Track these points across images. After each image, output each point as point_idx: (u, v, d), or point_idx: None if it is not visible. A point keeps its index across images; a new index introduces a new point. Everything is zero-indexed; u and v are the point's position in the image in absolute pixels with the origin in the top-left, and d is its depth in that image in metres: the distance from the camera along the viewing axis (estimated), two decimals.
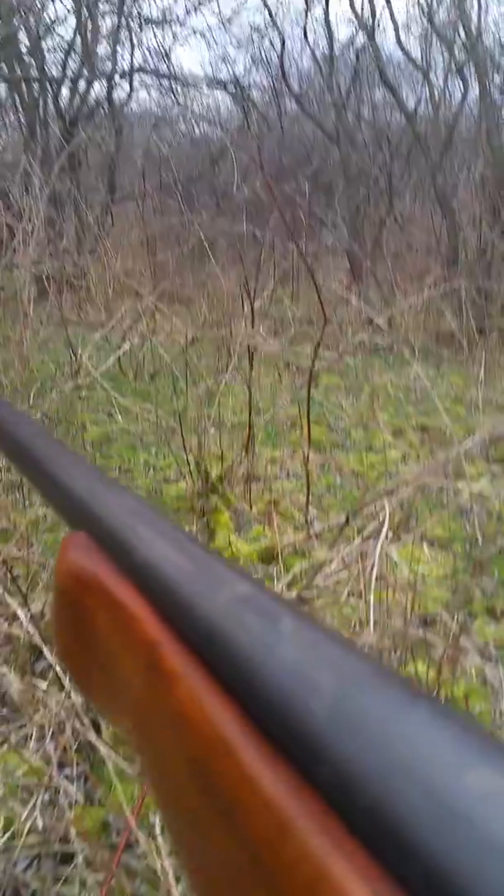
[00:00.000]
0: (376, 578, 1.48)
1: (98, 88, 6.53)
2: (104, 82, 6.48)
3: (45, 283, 4.60)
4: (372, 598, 1.44)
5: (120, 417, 3.44)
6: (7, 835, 1.04)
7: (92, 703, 0.24)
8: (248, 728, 0.14)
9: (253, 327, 2.73)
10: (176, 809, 0.17)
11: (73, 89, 6.06)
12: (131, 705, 0.19)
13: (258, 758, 0.14)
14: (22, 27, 5.56)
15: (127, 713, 0.20)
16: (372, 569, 1.47)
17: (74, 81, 6.46)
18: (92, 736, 1.01)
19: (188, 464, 2.47)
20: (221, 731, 0.15)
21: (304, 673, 0.14)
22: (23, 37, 5.87)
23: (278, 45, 5.91)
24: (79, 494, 0.25)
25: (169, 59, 6.57)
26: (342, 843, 0.12)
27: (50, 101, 6.38)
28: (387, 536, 1.57)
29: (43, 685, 1.26)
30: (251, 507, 2.41)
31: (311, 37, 6.38)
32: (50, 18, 6.21)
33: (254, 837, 0.13)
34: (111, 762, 0.97)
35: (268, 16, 5.83)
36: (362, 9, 5.97)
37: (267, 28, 5.79)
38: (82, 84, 6.44)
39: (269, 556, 2.07)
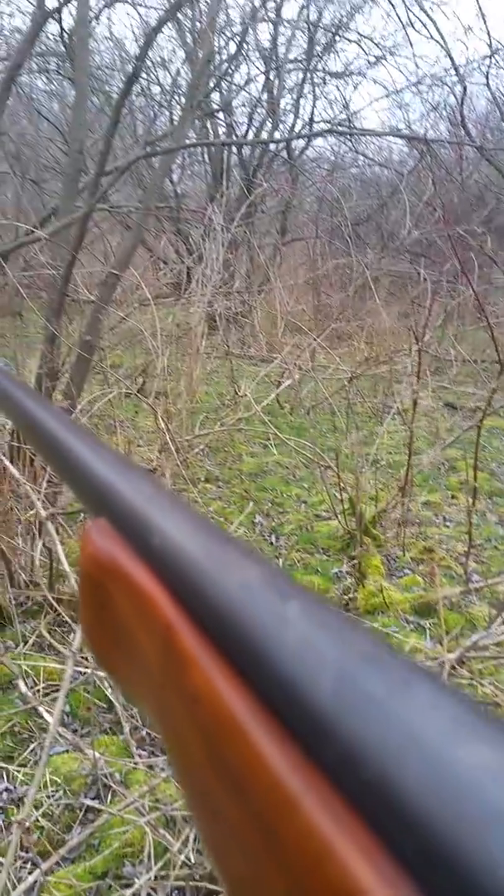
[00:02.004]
0: None
1: (278, 137, 6.89)
2: (285, 133, 6.82)
3: (216, 320, 4.87)
4: None
5: (275, 450, 3.52)
6: (159, 864, 1.08)
7: (117, 684, 0.24)
8: (257, 708, 0.15)
9: (418, 367, 2.68)
10: (193, 786, 0.17)
11: (256, 141, 6.45)
12: (151, 686, 0.20)
13: (267, 737, 0.14)
14: (216, 90, 6.04)
15: (147, 693, 0.20)
16: None
17: (257, 134, 6.87)
18: None
19: (342, 502, 2.45)
20: (232, 711, 0.15)
21: (312, 654, 0.14)
22: (213, 94, 6.37)
23: (458, 91, 5.87)
24: (99, 481, 0.26)
25: (348, 108, 6.77)
26: (345, 818, 0.12)
27: (234, 152, 6.83)
28: None
29: None
30: (404, 553, 2.33)
31: (492, 82, 6.25)
32: (241, 79, 6.69)
33: (263, 814, 0.14)
34: None
35: (449, 62, 5.79)
36: None
37: (447, 73, 5.75)
38: (264, 135, 6.84)
39: (423, 608, 1.98)
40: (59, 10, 3.31)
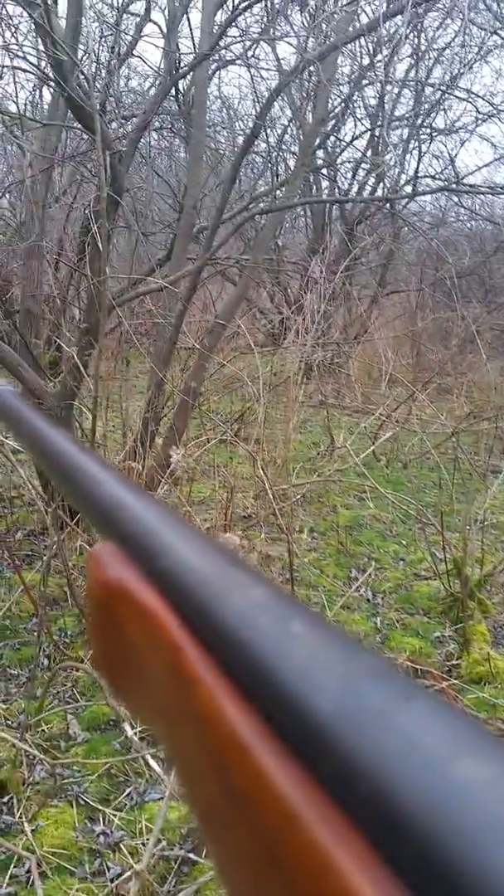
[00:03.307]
0: None
1: (380, 193, 6.99)
2: (388, 190, 6.91)
3: (312, 369, 4.92)
4: None
5: (371, 503, 3.45)
6: None
7: (127, 706, 0.24)
8: (260, 726, 0.15)
9: None
10: (200, 803, 0.18)
11: (366, 199, 6.57)
12: (160, 707, 0.20)
13: (269, 754, 0.15)
14: (322, 146, 6.24)
15: (157, 715, 0.21)
16: None
17: (361, 189, 7.00)
18: None
19: (444, 562, 2.36)
20: (237, 729, 0.16)
21: (313, 673, 0.15)
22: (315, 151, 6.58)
23: None
24: (107, 505, 0.26)
25: (453, 164, 6.79)
26: (344, 832, 0.13)
27: (335, 207, 6.98)
28: None
29: None
30: None
31: None
32: (347, 135, 6.89)
33: (266, 828, 0.14)
34: None
35: None
36: None
37: None
38: (367, 190, 6.96)
39: None
40: (186, 75, 3.53)
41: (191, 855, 1.32)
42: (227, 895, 0.17)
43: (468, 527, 2.35)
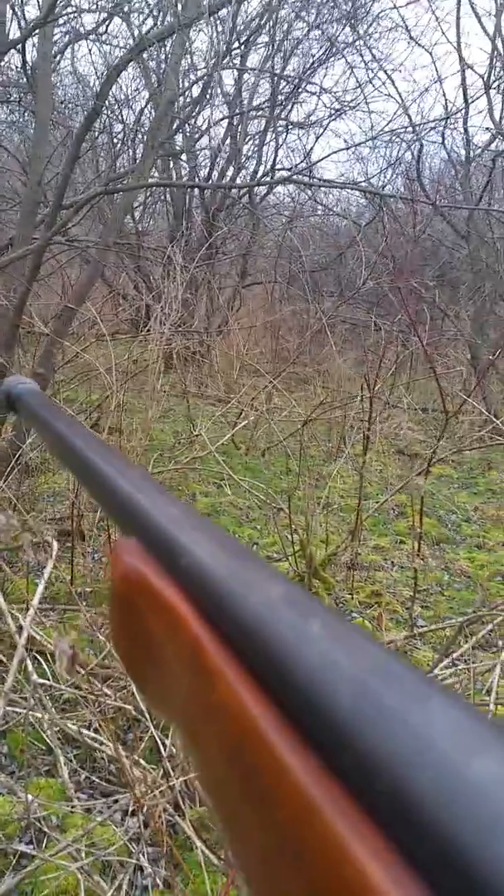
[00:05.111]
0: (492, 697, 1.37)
1: (239, 182, 7.08)
2: (246, 179, 7.02)
3: (173, 358, 4.89)
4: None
5: (229, 490, 3.52)
6: None
7: (145, 698, 0.25)
8: (279, 719, 0.15)
9: (370, 413, 2.74)
10: (219, 797, 0.18)
11: (218, 185, 6.60)
12: (180, 701, 0.20)
13: (288, 747, 0.15)
14: (179, 132, 6.19)
15: (177, 709, 0.21)
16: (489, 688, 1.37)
17: (220, 177, 7.04)
18: (180, 819, 0.99)
19: (293, 544, 2.46)
20: (256, 723, 0.16)
21: (331, 668, 0.15)
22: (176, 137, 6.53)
23: (415, 148, 6.17)
24: (128, 501, 0.27)
25: (309, 157, 7.02)
26: (361, 825, 0.13)
27: (195, 195, 6.98)
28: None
29: (136, 758, 1.25)
30: (353, 596, 2.35)
31: (447, 140, 6.61)
32: (205, 124, 6.89)
33: (284, 821, 0.14)
34: (199, 850, 0.94)
35: (407, 121, 6.10)
36: (501, 118, 6.12)
37: (405, 130, 6.05)
38: (226, 180, 7.01)
39: None
40: (21, 42, 3.35)
41: (28, 848, 1.29)
42: (244, 885, 0.17)
43: (314, 510, 2.47)
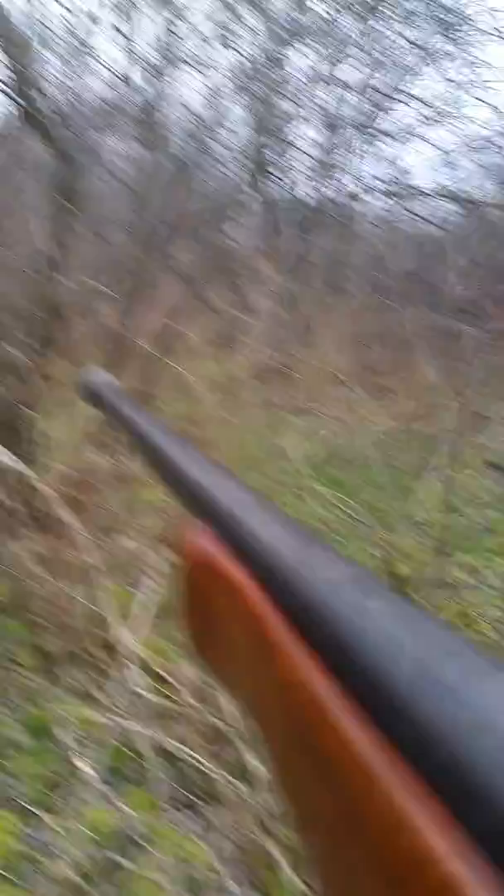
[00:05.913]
0: None
1: (330, 194, 7.10)
2: (337, 191, 7.03)
3: (261, 371, 4.97)
4: None
5: (310, 501, 3.52)
6: None
7: (212, 674, 0.26)
8: (341, 694, 0.16)
9: (460, 423, 2.70)
10: (283, 768, 0.19)
11: (309, 198, 6.67)
12: (244, 676, 0.21)
13: (350, 720, 0.15)
14: (269, 148, 6.30)
15: (242, 683, 0.22)
16: None
17: (312, 191, 7.09)
18: (271, 844, 1.00)
19: (375, 559, 2.45)
20: (319, 696, 0.16)
21: (390, 643, 0.16)
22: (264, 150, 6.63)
23: None
24: (200, 489, 0.28)
25: (397, 166, 6.95)
26: (421, 795, 0.13)
27: (286, 206, 7.05)
28: None
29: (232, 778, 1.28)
30: (439, 615, 2.31)
31: None
32: (296, 138, 6.96)
33: (346, 790, 0.15)
34: (284, 874, 0.95)
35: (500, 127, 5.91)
36: None
37: (499, 135, 5.87)
38: (317, 193, 7.05)
39: None
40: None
41: (123, 860, 1.36)
42: (305, 852, 0.18)
43: (397, 524, 2.44)
